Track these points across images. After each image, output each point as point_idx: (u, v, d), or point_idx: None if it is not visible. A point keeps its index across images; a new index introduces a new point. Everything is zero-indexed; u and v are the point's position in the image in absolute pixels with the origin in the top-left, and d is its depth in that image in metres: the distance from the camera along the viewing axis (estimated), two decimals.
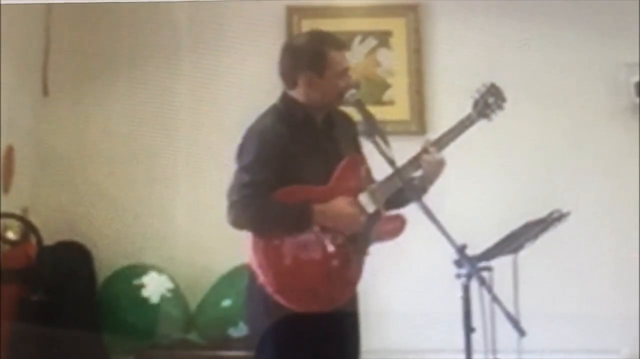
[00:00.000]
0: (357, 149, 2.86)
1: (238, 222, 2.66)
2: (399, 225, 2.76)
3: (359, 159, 2.82)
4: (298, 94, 2.78)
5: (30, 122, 4.57)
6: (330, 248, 2.65)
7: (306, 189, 2.68)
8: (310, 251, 2.64)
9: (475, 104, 2.85)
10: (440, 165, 2.76)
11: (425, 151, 2.75)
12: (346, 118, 2.87)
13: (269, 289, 2.62)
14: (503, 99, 2.88)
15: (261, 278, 2.63)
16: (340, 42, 2.81)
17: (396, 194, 2.73)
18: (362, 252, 2.73)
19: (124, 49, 4.70)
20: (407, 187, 2.66)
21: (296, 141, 2.71)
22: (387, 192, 2.73)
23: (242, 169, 2.70)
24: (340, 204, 2.68)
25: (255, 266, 2.65)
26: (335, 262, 2.66)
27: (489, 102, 2.86)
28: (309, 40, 2.87)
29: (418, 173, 2.75)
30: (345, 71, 2.77)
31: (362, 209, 2.71)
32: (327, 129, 2.82)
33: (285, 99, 2.82)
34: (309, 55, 2.77)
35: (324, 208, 2.65)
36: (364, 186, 2.75)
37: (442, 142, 2.78)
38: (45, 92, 4.65)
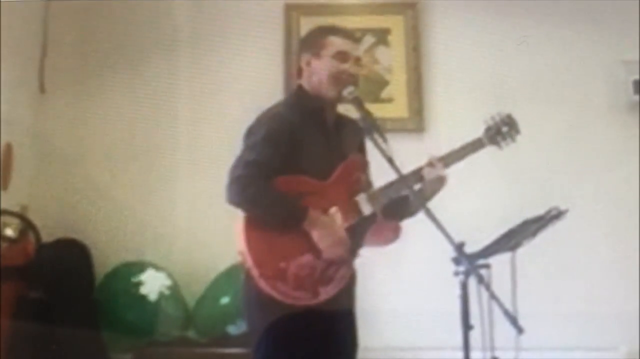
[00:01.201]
0: (363, 153, 2.88)
1: (236, 200, 2.63)
2: (393, 233, 2.76)
3: (362, 162, 2.84)
4: (304, 81, 2.83)
5: (29, 120, 4.57)
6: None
7: (304, 181, 2.68)
8: (297, 243, 2.61)
9: (488, 129, 2.86)
10: (442, 181, 2.76)
11: (430, 164, 2.76)
12: (355, 124, 2.84)
13: (254, 273, 2.58)
14: (517, 131, 2.89)
15: (248, 262, 2.60)
16: (341, 29, 2.85)
17: (392, 204, 2.74)
18: (352, 253, 2.72)
19: (122, 45, 4.70)
20: (410, 194, 2.65)
21: (305, 131, 2.73)
22: (386, 197, 2.73)
23: (249, 147, 2.70)
24: (337, 226, 2.66)
25: (242, 248, 2.61)
26: (322, 262, 2.63)
27: (502, 130, 2.87)
28: (313, 28, 2.96)
29: (417, 186, 2.74)
30: (343, 54, 2.77)
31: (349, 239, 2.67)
32: (337, 130, 2.84)
33: (297, 90, 2.87)
34: (308, 37, 2.91)
35: (319, 218, 2.63)
36: (362, 189, 2.75)
37: (449, 160, 2.79)
38: (42, 89, 4.64)
